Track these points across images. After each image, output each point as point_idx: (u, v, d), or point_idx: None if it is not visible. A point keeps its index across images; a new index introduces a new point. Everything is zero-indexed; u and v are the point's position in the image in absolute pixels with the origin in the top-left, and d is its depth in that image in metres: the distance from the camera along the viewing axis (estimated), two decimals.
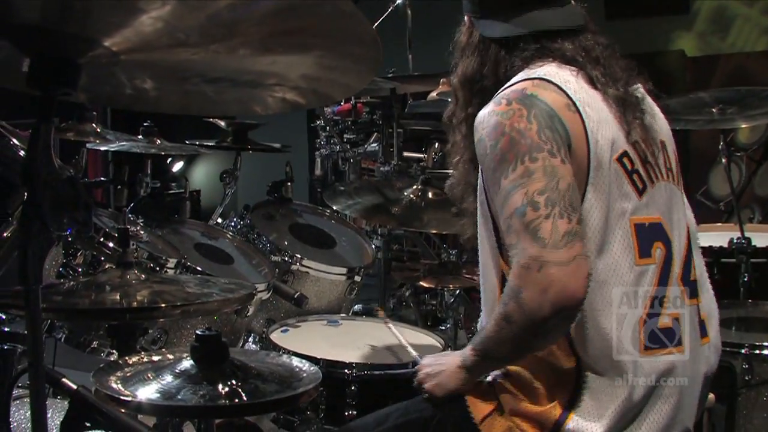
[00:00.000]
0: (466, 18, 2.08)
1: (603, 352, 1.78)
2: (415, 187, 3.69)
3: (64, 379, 1.61)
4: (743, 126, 4.54)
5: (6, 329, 1.88)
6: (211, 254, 3.44)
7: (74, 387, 1.60)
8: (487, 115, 1.83)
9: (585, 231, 1.75)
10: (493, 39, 1.99)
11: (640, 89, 1.96)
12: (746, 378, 2.60)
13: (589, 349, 1.79)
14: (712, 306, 2.00)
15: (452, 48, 2.11)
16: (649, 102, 1.98)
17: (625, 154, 1.83)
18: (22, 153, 1.56)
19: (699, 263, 1.97)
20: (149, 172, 3.81)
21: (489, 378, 1.93)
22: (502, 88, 1.88)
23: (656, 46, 7.11)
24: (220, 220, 3.95)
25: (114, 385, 1.69)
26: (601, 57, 1.92)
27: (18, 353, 1.80)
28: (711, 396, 2.14)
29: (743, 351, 2.62)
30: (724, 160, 3.53)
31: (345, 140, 5.29)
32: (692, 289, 1.91)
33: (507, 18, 1.97)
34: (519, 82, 1.86)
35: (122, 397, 1.63)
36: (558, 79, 1.84)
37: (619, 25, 6.56)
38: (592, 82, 1.87)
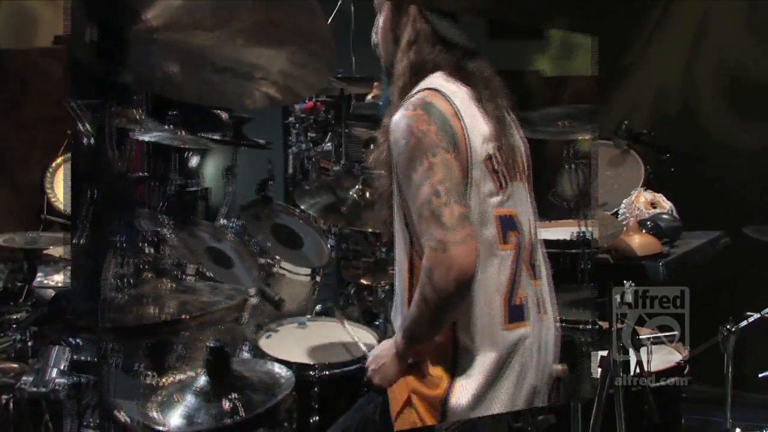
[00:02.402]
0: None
1: (476, 330, 1.71)
2: (357, 186, 3.17)
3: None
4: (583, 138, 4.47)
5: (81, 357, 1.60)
6: (218, 258, 2.81)
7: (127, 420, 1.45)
8: (399, 119, 1.73)
9: None
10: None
11: (505, 104, 1.88)
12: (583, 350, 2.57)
13: (466, 329, 1.72)
14: (548, 287, 1.92)
15: None
16: (510, 115, 1.90)
17: (491, 156, 1.75)
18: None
19: (540, 251, 1.90)
20: (176, 167, 2.90)
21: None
22: (408, 95, 1.77)
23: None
24: (223, 221, 3.21)
25: (153, 414, 1.53)
26: (490, 79, 1.84)
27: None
28: (560, 367, 2.03)
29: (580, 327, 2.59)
30: (566, 166, 3.45)
31: (309, 138, 4.42)
32: (536, 273, 1.85)
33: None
34: (420, 91, 1.76)
35: (159, 428, 1.49)
36: (445, 90, 1.75)
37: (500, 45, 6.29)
38: (477, 98, 1.78)
